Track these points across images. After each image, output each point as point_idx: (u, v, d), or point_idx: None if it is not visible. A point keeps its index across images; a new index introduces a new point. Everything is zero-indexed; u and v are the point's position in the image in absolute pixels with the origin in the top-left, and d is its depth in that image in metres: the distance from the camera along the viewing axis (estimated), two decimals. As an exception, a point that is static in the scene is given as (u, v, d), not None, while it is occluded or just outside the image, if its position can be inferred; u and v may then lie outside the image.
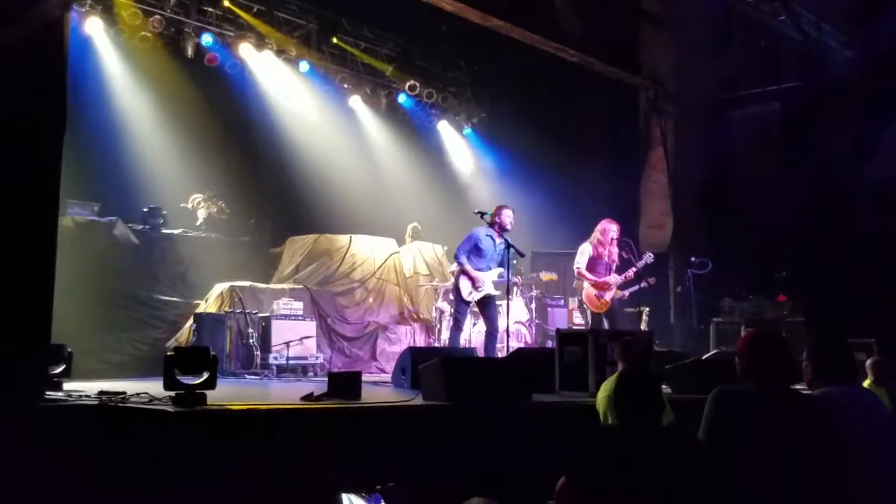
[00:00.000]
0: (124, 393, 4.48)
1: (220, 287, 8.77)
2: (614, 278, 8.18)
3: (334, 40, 10.76)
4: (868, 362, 5.91)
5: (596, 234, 8.23)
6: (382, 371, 9.19)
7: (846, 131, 9.33)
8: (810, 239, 9.76)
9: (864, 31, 9.63)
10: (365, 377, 6.20)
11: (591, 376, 5.79)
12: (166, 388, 3.97)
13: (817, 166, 9.48)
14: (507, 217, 7.65)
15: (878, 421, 3.02)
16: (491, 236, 7.69)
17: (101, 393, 4.52)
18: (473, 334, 9.31)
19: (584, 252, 8.17)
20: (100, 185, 8.96)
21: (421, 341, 9.97)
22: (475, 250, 7.71)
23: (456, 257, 7.81)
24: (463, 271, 7.69)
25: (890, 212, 9.60)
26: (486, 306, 7.81)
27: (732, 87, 10.74)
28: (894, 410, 3.88)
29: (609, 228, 8.19)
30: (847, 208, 9.72)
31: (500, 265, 7.77)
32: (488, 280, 7.73)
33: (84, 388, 4.89)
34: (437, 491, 3.86)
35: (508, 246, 7.73)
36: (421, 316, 10.35)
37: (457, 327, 7.89)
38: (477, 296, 7.72)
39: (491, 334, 7.78)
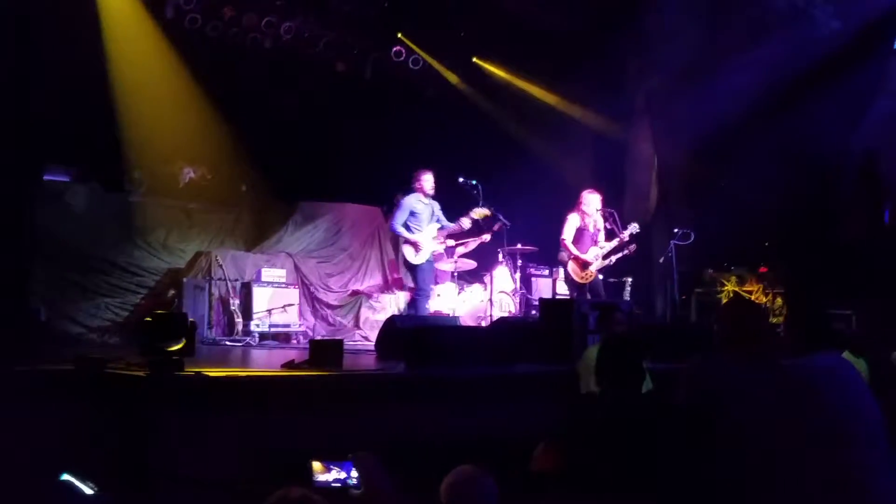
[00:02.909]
0: (101, 358, 4.44)
1: (202, 253, 8.70)
2: (595, 252, 8.15)
3: (318, 4, 10.56)
4: (846, 333, 5.97)
5: (580, 205, 8.21)
6: (366, 339, 9.19)
7: (831, 102, 9.32)
8: (793, 210, 9.79)
9: (851, 2, 9.58)
10: (348, 345, 6.19)
11: (574, 345, 5.82)
12: (143, 354, 3.94)
13: (802, 137, 9.47)
14: (426, 182, 7.86)
15: (856, 390, 3.03)
16: (421, 201, 7.88)
17: (78, 358, 4.48)
18: (458, 304, 9.32)
19: (571, 223, 8.12)
20: (79, 149, 8.81)
21: (405, 310, 9.96)
22: (411, 217, 7.83)
23: (392, 229, 7.99)
24: (405, 240, 7.84)
25: (873, 184, 9.64)
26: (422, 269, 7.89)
27: (719, 56, 10.67)
28: (871, 380, 3.90)
29: (591, 199, 8.17)
30: (831, 180, 9.76)
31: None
32: (427, 240, 7.81)
33: (61, 353, 4.84)
34: (419, 458, 3.86)
35: (495, 216, 7.73)
36: (405, 284, 10.33)
37: (424, 296, 7.93)
38: (423, 257, 7.80)
39: (418, 296, 7.91)
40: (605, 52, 10.92)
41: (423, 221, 7.83)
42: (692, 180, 10.84)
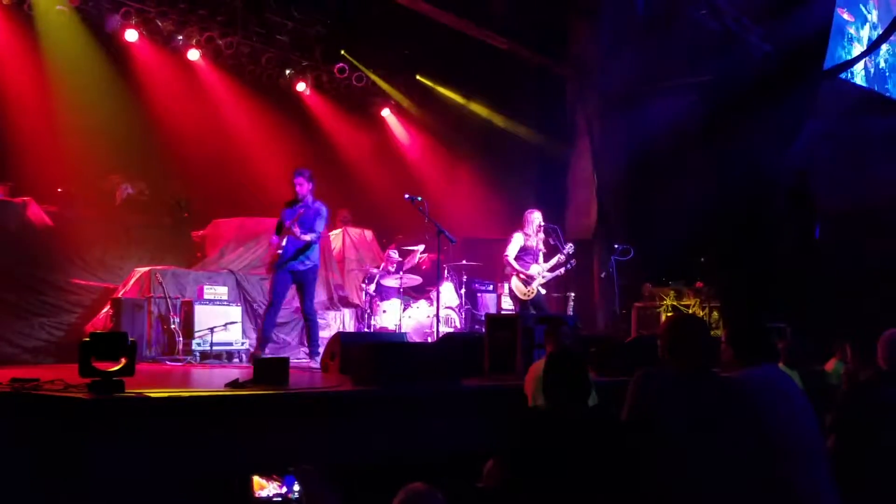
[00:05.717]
0: (38, 380, 4.29)
1: (140, 271, 8.49)
2: (537, 269, 8.29)
3: (260, 19, 10.49)
4: (779, 346, 6.16)
5: (524, 225, 8.38)
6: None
7: (763, 124, 9.66)
8: (727, 227, 10.09)
9: (781, 26, 9.96)
10: (293, 363, 6.12)
11: (519, 359, 5.88)
12: (82, 374, 3.82)
13: (735, 157, 9.79)
14: (296, 185, 7.30)
15: (794, 401, 3.13)
16: (290, 207, 7.39)
17: (14, 380, 4.32)
18: (404, 320, 9.31)
19: (516, 242, 8.29)
20: (12, 165, 8.54)
21: (351, 326, 9.90)
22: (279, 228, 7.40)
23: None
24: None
25: (804, 201, 10.02)
26: (296, 284, 7.39)
27: (654, 78, 10.98)
28: (806, 391, 4.05)
29: (533, 218, 8.35)
30: (763, 198, 10.09)
31: (309, 227, 7.25)
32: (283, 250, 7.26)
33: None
34: (369, 477, 3.84)
35: (440, 232, 7.73)
36: (351, 301, 10.27)
37: (272, 307, 7.40)
38: (277, 268, 7.30)
39: (305, 319, 7.41)
40: (545, 75, 11.13)
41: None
42: (630, 198, 11.10)
